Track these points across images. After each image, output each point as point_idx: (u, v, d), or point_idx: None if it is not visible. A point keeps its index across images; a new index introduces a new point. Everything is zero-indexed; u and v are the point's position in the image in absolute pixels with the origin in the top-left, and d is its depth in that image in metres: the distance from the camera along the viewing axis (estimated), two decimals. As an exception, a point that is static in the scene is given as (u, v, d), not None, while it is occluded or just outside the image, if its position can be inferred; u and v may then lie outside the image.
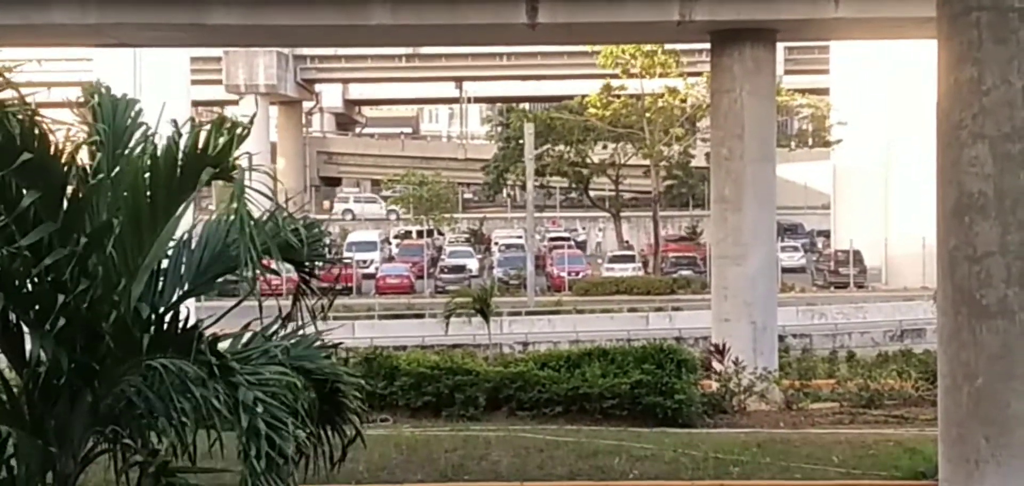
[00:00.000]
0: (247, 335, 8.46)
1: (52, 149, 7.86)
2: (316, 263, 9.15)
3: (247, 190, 7.85)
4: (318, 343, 8.83)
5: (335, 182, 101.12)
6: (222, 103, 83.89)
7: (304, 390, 8.15)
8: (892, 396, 26.00)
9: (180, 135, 8.04)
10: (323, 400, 8.70)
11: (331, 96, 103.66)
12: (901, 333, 47.82)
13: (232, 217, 7.98)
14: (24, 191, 7.71)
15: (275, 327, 8.56)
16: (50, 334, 7.66)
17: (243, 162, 8.15)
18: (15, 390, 8.34)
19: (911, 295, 54.43)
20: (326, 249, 9.37)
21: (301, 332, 8.74)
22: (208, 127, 8.04)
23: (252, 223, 7.76)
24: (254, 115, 9.24)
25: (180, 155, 8.02)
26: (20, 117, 7.76)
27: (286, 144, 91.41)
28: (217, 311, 8.65)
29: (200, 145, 8.01)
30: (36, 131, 7.78)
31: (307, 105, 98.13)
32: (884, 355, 37.05)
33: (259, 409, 7.50)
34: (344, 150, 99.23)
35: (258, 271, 7.94)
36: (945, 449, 13.28)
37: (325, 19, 30.03)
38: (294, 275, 9.13)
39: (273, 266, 8.45)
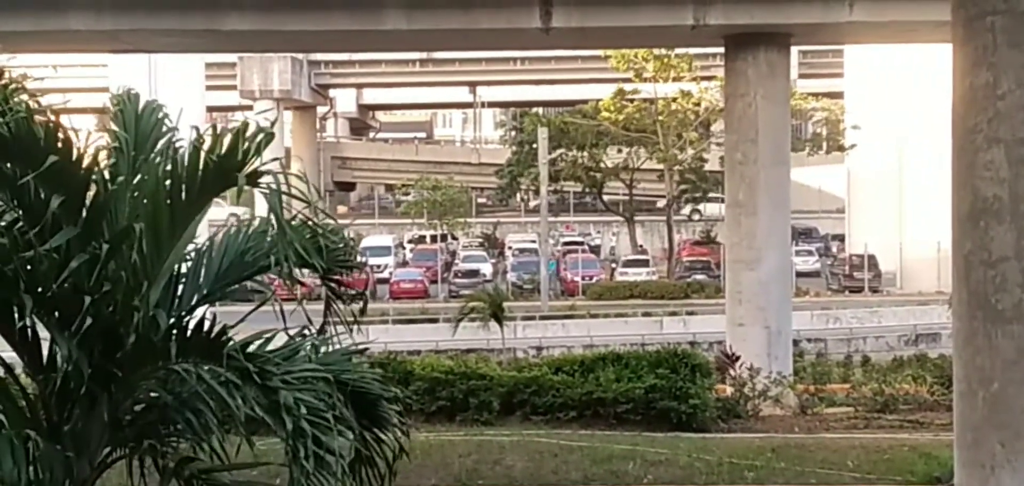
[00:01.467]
0: (273, 342, 8.43)
1: (74, 153, 7.90)
2: (344, 270, 9.12)
3: (270, 194, 7.82)
4: (354, 351, 8.78)
5: (349, 187, 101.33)
6: (236, 108, 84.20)
7: (338, 389, 8.05)
8: (907, 401, 25.98)
9: (203, 141, 8.03)
10: (361, 412, 8.66)
11: (345, 101, 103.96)
12: (916, 338, 47.69)
13: (256, 223, 7.96)
14: (41, 192, 7.74)
15: (299, 335, 8.51)
16: (72, 339, 7.68)
17: (272, 167, 8.12)
18: (32, 395, 8.38)
19: (926, 299, 54.32)
20: (352, 255, 9.31)
21: (329, 342, 8.71)
22: (232, 132, 8.02)
23: (290, 228, 7.73)
24: (276, 119, 9.23)
25: (201, 161, 8.02)
26: (44, 120, 7.80)
27: (300, 149, 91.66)
28: (234, 317, 8.66)
29: (224, 150, 7.99)
30: (59, 135, 7.82)
31: (321, 110, 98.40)
32: (899, 360, 37.05)
33: (302, 410, 7.45)
34: (358, 155, 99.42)
35: (285, 278, 7.93)
36: (960, 454, 13.24)
37: (339, 24, 30.09)
38: (308, 281, 9.12)
39: (298, 272, 8.42)
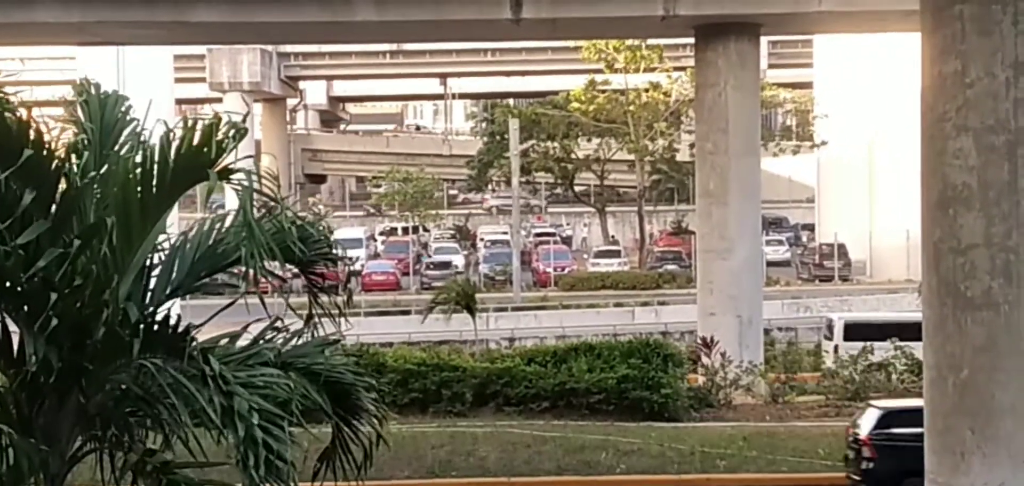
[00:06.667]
0: (245, 337, 8.38)
1: (46, 148, 7.82)
2: (325, 264, 9.07)
3: (242, 192, 7.76)
4: (328, 343, 8.73)
5: (320, 179, 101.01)
6: (205, 101, 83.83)
7: (297, 390, 8.00)
8: (877, 388, 26.08)
9: (173, 136, 7.96)
10: (337, 403, 8.61)
11: (315, 93, 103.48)
12: (886, 326, 47.81)
13: (229, 218, 7.89)
14: (14, 187, 7.67)
15: (272, 329, 8.47)
16: (41, 333, 7.62)
17: (238, 162, 8.05)
18: (2, 390, 8.32)
19: (896, 288, 54.60)
20: (331, 249, 9.22)
21: (302, 335, 8.68)
22: (203, 126, 7.96)
23: (256, 223, 7.66)
24: (247, 114, 9.19)
25: (172, 155, 7.95)
26: (16, 115, 7.73)
27: (270, 141, 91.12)
28: (209, 310, 8.61)
29: (195, 144, 7.92)
30: (31, 130, 7.75)
31: (291, 102, 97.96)
32: (869, 347, 37.11)
33: (255, 418, 7.41)
34: (329, 147, 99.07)
35: (260, 272, 7.89)
36: (931, 441, 13.32)
37: (309, 16, 29.98)
38: (281, 274, 9.07)
39: (271, 266, 8.37)
